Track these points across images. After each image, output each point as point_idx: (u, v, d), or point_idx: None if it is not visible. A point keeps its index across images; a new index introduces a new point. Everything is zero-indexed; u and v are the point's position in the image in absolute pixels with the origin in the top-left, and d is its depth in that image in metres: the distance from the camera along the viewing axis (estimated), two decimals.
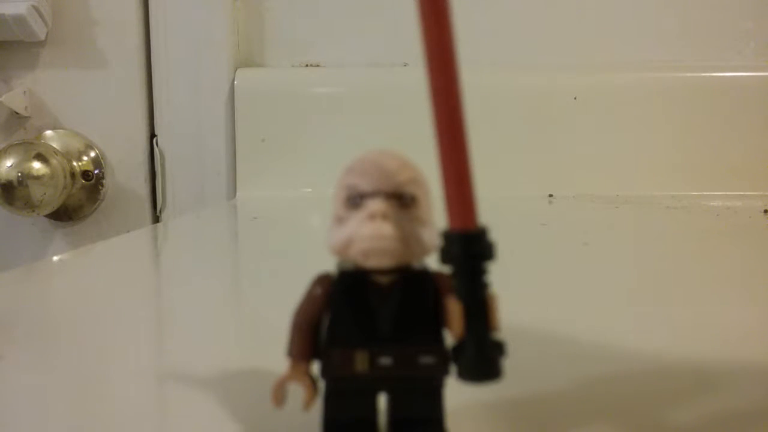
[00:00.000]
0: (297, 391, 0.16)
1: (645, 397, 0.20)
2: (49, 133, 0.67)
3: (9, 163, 0.60)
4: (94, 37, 0.66)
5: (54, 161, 0.62)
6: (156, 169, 0.68)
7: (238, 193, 0.66)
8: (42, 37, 0.64)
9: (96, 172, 0.67)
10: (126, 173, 0.67)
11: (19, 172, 0.60)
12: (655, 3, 0.66)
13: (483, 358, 0.15)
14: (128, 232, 0.65)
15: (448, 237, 0.15)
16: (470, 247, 0.15)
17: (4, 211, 0.61)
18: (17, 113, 0.66)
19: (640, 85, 0.64)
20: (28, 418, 0.19)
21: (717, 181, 0.62)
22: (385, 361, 0.15)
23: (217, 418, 0.18)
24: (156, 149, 0.67)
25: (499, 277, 0.16)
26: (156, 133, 0.67)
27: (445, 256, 0.15)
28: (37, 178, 0.60)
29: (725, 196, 0.61)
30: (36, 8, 0.62)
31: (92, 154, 0.67)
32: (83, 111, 0.67)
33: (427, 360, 0.16)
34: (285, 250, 0.45)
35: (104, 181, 0.67)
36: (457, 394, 0.16)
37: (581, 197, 0.62)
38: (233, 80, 0.66)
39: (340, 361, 0.16)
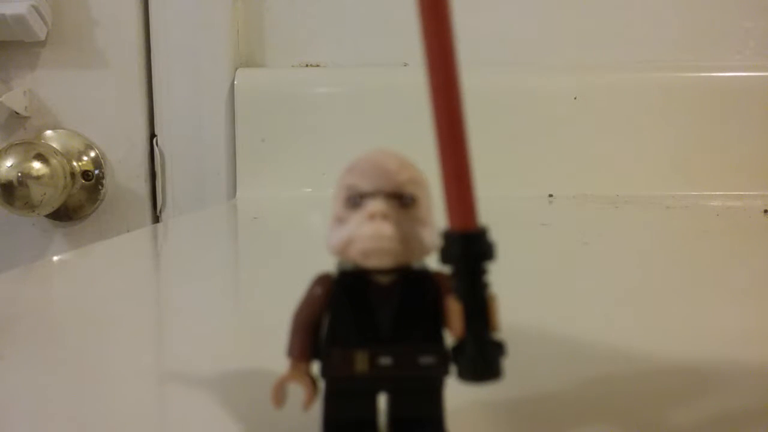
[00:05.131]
0: (297, 391, 0.16)
1: (645, 397, 0.20)
2: (49, 133, 0.67)
3: (9, 163, 0.60)
4: (94, 37, 0.66)
5: (54, 161, 0.62)
6: (156, 169, 0.68)
7: (238, 193, 0.66)
8: (42, 37, 0.64)
9: (96, 172, 0.67)
10: (126, 173, 0.67)
11: (19, 172, 0.60)
12: (656, 3, 0.66)
13: (483, 358, 0.15)
14: (128, 232, 0.65)
15: (448, 237, 0.15)
16: (470, 247, 0.15)
17: (4, 211, 0.61)
18: (17, 113, 0.66)
19: (640, 85, 0.64)
20: (28, 418, 0.19)
21: (717, 181, 0.62)
22: (385, 361, 0.15)
23: (217, 418, 0.18)
24: (156, 149, 0.67)
25: (499, 277, 0.16)
26: (156, 133, 0.67)
27: (445, 256, 0.15)
28: (37, 178, 0.60)
29: (725, 196, 0.61)
30: (36, 8, 0.62)
31: (92, 154, 0.67)
32: (83, 111, 0.67)
33: (427, 360, 0.16)
34: (285, 250, 0.45)
35: (104, 181, 0.67)
36: (457, 394, 0.16)
37: (581, 197, 0.62)
38: (233, 80, 0.66)
39: (340, 361, 0.15)
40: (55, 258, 0.45)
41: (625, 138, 0.64)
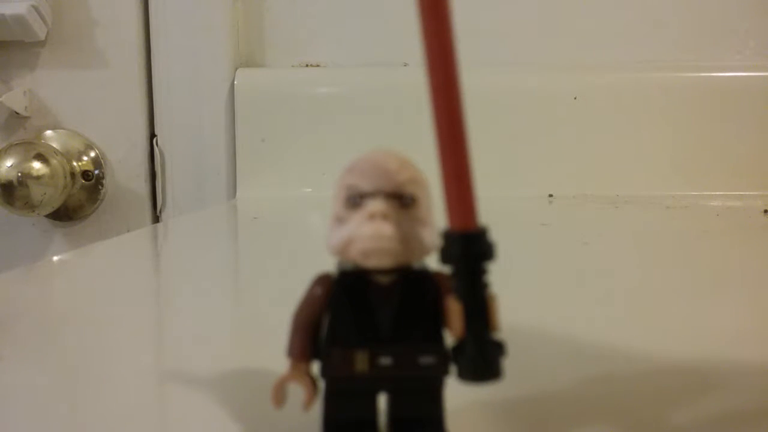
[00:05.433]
0: (297, 391, 0.16)
1: (645, 397, 0.20)
2: (49, 133, 0.67)
3: (9, 163, 0.60)
4: (94, 37, 0.66)
5: (54, 161, 0.62)
6: (156, 169, 0.68)
7: (238, 193, 0.66)
8: (42, 37, 0.64)
9: (96, 172, 0.67)
10: (126, 173, 0.67)
11: (19, 172, 0.60)
12: (655, 3, 0.66)
13: (483, 358, 0.15)
14: (128, 232, 0.65)
15: (448, 237, 0.15)
16: (470, 247, 0.15)
17: (4, 211, 0.61)
18: (17, 113, 0.66)
19: (640, 85, 0.64)
20: (28, 418, 0.19)
21: (717, 181, 0.62)
22: (385, 361, 0.15)
23: (217, 418, 0.18)
24: (156, 149, 0.67)
25: (499, 277, 0.16)
26: (156, 133, 0.67)
27: (445, 256, 0.15)
28: (37, 178, 0.60)
29: (725, 196, 0.61)
30: (36, 8, 0.62)
31: (92, 154, 0.67)
32: (83, 111, 0.67)
33: (427, 360, 0.16)
34: (285, 250, 0.45)
35: (104, 181, 0.67)
36: (457, 394, 0.16)
37: (581, 197, 0.62)
38: (233, 80, 0.66)
39: (340, 361, 0.15)
40: (55, 258, 0.45)
41: (625, 138, 0.64)
